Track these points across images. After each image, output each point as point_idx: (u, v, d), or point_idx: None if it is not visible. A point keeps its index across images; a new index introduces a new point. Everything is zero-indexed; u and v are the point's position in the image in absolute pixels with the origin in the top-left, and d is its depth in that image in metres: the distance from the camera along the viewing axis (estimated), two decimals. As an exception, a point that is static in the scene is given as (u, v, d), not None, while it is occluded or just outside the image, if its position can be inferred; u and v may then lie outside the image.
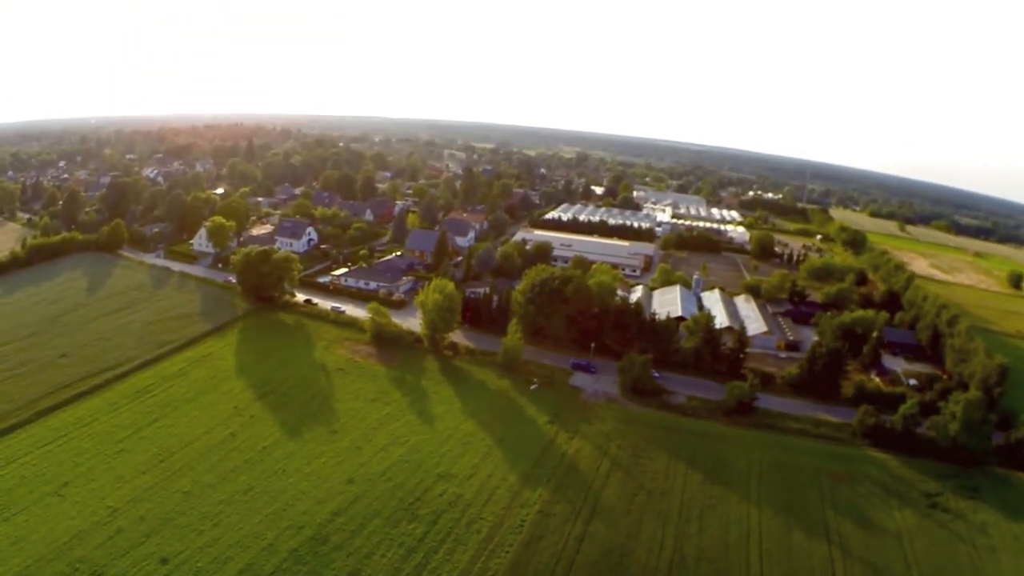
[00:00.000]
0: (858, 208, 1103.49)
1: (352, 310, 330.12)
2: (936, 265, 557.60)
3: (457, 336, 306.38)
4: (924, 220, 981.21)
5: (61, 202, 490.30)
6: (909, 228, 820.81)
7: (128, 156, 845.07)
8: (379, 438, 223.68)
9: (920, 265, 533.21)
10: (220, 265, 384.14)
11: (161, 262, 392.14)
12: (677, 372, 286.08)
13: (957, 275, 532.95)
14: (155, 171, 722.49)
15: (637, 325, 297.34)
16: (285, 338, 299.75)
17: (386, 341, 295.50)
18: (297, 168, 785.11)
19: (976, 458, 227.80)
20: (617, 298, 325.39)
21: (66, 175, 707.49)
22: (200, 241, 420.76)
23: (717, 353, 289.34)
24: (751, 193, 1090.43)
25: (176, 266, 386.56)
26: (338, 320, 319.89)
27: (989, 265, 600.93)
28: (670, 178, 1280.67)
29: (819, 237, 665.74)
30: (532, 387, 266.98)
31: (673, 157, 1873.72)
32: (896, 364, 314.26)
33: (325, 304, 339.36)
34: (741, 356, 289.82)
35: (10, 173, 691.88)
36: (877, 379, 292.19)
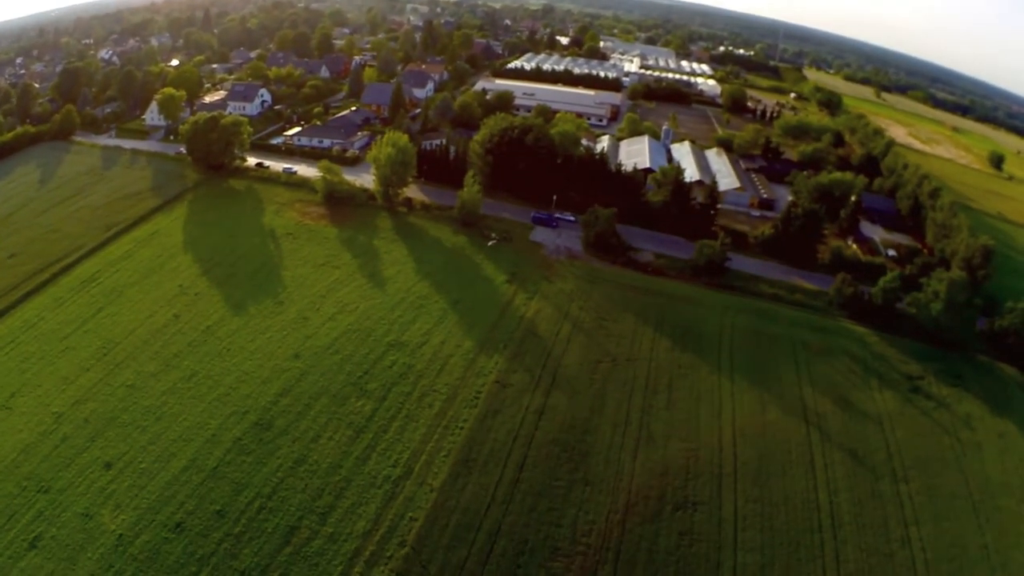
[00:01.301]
0: (832, 71, 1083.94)
1: (305, 170, 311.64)
2: (914, 135, 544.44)
3: (413, 191, 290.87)
4: (900, 90, 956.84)
5: (14, 99, 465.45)
6: (885, 96, 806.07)
7: (84, 41, 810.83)
8: (327, 306, 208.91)
9: (898, 132, 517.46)
10: (172, 137, 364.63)
11: (113, 142, 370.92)
12: (644, 227, 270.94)
13: (935, 147, 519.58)
14: (110, 52, 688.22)
15: (602, 176, 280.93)
16: (234, 206, 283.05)
17: (338, 200, 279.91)
18: (254, 32, 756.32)
19: (959, 343, 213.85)
20: (582, 148, 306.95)
21: (23, 71, 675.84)
22: (152, 115, 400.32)
23: (687, 208, 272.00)
24: (722, 48, 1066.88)
25: (128, 144, 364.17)
26: (289, 182, 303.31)
27: (968, 141, 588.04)
28: (639, 31, 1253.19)
29: (793, 96, 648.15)
30: (490, 243, 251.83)
31: (642, 11, 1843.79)
32: (874, 232, 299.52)
33: (277, 166, 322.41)
34: (712, 212, 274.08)
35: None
36: (855, 246, 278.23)
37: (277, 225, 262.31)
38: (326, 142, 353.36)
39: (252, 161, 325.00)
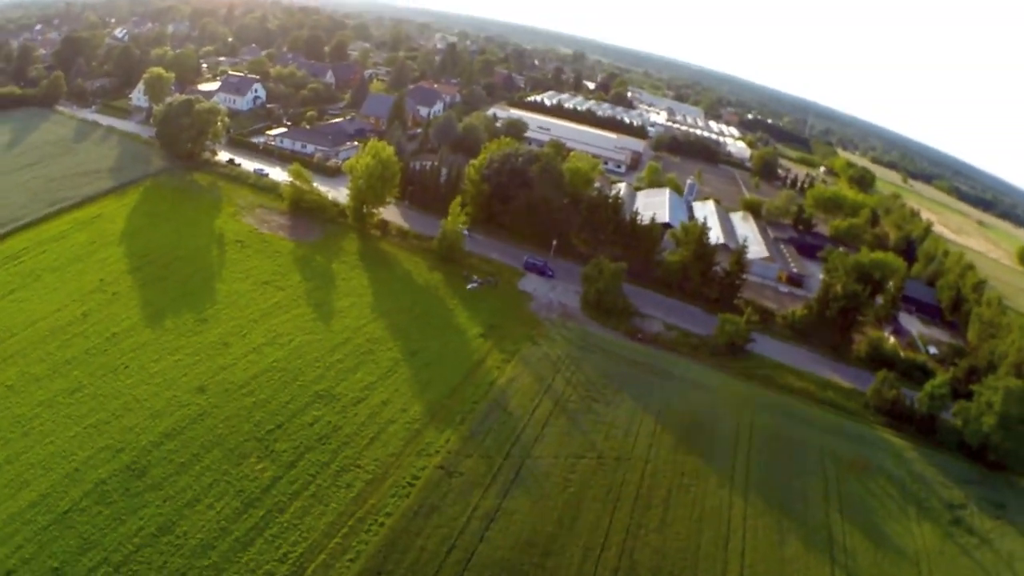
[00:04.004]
0: (858, 152, 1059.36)
1: (278, 174, 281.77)
2: (944, 223, 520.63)
3: (392, 214, 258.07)
4: (925, 178, 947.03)
5: (14, 59, 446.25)
6: (911, 182, 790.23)
7: (108, 19, 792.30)
8: (255, 334, 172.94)
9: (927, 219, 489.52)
10: (151, 120, 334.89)
11: (93, 116, 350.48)
12: (656, 290, 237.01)
13: (967, 239, 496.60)
14: (124, 31, 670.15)
15: (613, 224, 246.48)
16: (190, 201, 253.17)
17: (305, 212, 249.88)
18: (272, 32, 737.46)
19: (1002, 462, 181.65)
20: (593, 190, 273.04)
21: (40, 37, 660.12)
22: (138, 95, 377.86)
23: (709, 274, 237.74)
24: (750, 116, 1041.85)
25: (106, 120, 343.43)
26: (258, 184, 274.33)
27: (996, 236, 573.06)
28: (667, 88, 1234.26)
29: (823, 169, 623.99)
30: (470, 286, 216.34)
31: (671, 71, 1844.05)
32: (910, 324, 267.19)
33: (251, 166, 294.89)
34: (737, 283, 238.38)
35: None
36: (892, 339, 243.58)
37: (228, 229, 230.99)
38: (309, 148, 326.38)
39: (225, 156, 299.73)
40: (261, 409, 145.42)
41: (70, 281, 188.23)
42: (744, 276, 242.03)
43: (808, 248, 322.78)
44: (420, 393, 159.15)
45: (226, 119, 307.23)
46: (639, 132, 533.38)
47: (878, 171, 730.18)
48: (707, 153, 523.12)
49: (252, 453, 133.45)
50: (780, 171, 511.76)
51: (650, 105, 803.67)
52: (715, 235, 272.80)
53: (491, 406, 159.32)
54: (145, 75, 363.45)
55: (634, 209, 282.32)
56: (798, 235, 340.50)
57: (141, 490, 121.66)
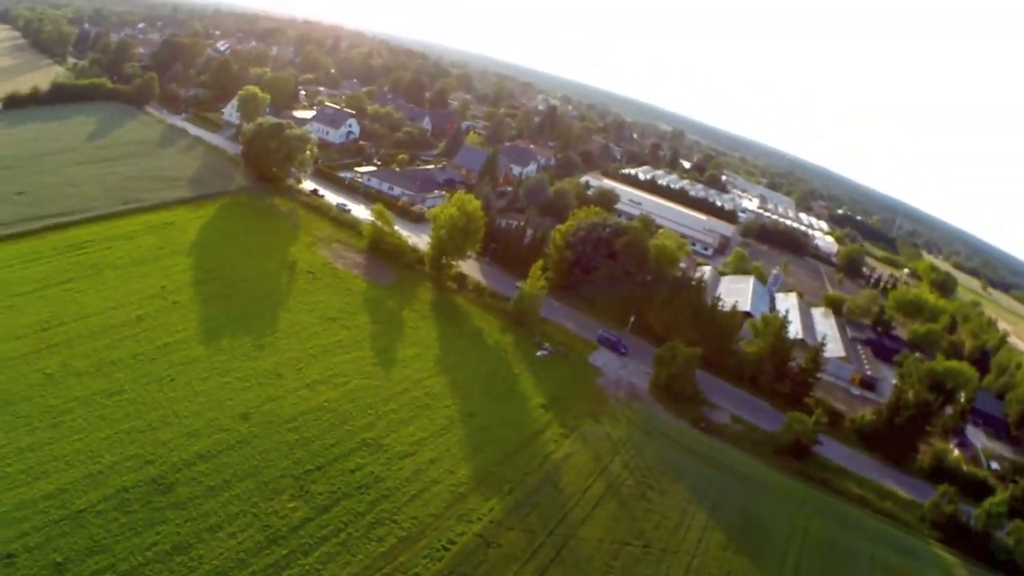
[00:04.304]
0: (942, 256, 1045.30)
1: (361, 213, 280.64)
2: (1019, 335, 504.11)
3: (471, 268, 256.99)
4: (1005, 287, 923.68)
5: (112, 53, 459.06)
6: (991, 290, 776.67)
7: (214, 31, 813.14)
8: (312, 370, 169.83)
9: (1004, 329, 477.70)
10: (241, 138, 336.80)
11: (182, 124, 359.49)
12: (728, 380, 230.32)
13: None
14: (227, 45, 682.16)
15: (694, 308, 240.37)
16: (268, 224, 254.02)
17: (383, 253, 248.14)
18: (374, 69, 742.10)
19: None
20: (678, 270, 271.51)
21: (140, 36, 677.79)
22: (231, 111, 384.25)
23: (783, 369, 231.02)
24: (840, 211, 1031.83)
25: (195, 130, 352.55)
26: (339, 218, 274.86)
27: None
28: (762, 176, 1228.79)
29: (906, 271, 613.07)
30: (539, 353, 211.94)
31: (767, 159, 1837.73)
32: (975, 437, 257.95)
33: (334, 200, 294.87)
34: (811, 381, 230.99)
35: (85, 25, 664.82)
36: (957, 452, 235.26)
37: (302, 259, 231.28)
38: (396, 190, 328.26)
39: (309, 186, 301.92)
40: (303, 448, 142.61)
41: (131, 281, 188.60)
42: (819, 375, 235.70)
43: (885, 351, 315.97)
44: (471, 456, 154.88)
45: (315, 149, 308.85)
46: (729, 216, 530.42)
47: (960, 277, 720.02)
48: (795, 244, 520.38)
49: (286, 490, 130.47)
50: (865, 269, 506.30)
51: (743, 191, 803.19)
52: (794, 329, 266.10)
53: (543, 480, 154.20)
54: (241, 92, 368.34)
55: (716, 294, 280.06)
56: (876, 336, 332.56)
57: (163, 506, 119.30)
